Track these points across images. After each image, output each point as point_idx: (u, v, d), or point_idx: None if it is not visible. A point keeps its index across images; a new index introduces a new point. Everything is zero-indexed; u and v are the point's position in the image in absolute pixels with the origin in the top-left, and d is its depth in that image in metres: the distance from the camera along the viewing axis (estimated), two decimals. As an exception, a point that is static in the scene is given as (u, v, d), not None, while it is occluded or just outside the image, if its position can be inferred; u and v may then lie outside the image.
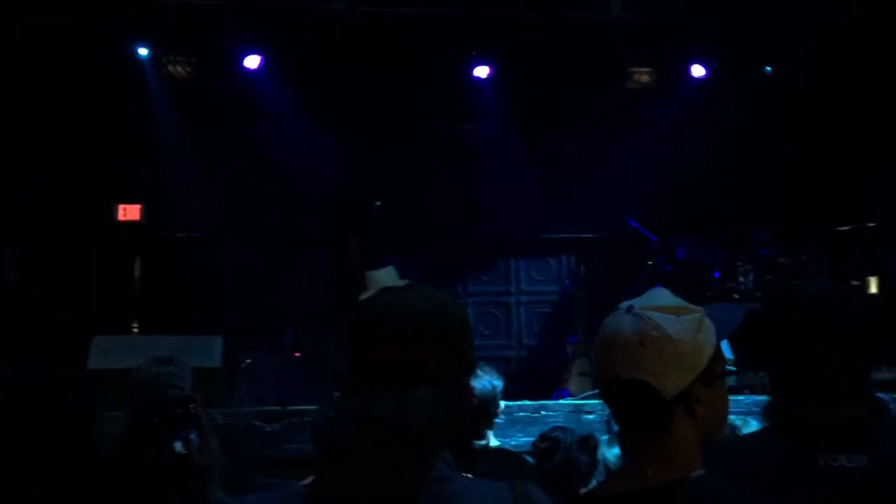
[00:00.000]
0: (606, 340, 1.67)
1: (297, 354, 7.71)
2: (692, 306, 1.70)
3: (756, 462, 1.85)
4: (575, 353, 7.51)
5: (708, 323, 1.69)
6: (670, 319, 1.63)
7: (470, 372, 1.61)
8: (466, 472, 2.14)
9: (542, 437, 3.23)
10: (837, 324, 1.93)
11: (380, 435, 1.44)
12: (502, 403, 3.92)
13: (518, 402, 4.93)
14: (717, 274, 7.45)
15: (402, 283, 5.12)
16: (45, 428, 2.23)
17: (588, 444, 3.16)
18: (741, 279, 7.32)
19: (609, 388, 1.67)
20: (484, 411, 3.66)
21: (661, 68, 8.68)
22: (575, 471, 3.10)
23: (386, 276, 5.83)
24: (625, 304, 1.70)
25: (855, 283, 7.15)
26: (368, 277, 5.81)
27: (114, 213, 8.61)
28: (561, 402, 5.19)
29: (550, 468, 3.13)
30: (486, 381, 3.67)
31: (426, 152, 8.56)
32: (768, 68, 8.50)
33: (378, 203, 7.68)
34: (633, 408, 1.63)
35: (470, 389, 1.61)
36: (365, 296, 4.92)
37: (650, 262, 7.72)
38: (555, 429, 3.36)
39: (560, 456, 3.11)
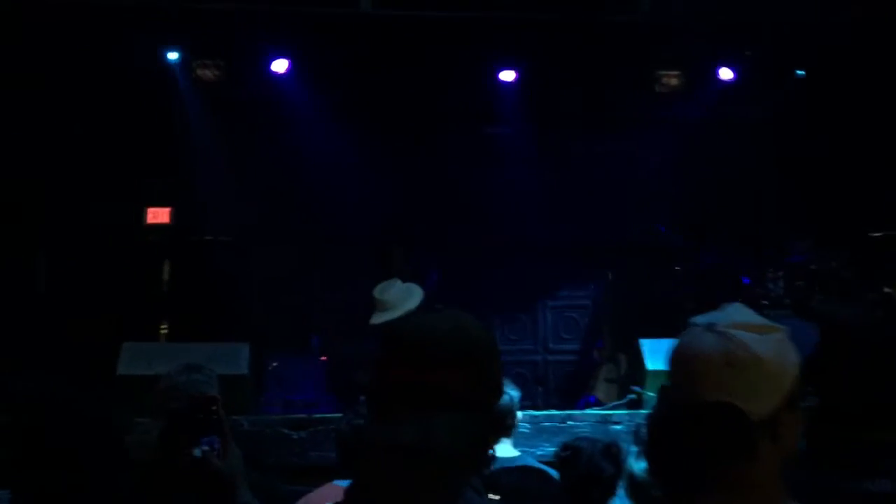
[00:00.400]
0: (687, 360, 1.58)
1: (324, 358, 7.73)
2: (775, 324, 1.61)
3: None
4: (602, 359, 7.47)
5: (791, 343, 1.61)
6: (756, 338, 1.55)
7: (497, 396, 1.59)
8: (492, 487, 2.12)
9: (564, 447, 3.17)
10: (867, 349, 1.90)
11: (405, 462, 1.43)
12: (520, 414, 3.92)
13: (545, 412, 4.91)
14: (746, 280, 7.38)
15: (414, 294, 5.12)
16: (73, 441, 2.26)
17: (611, 451, 3.09)
18: (770, 286, 7.24)
19: (690, 411, 1.57)
20: (501, 422, 3.67)
21: (689, 71, 8.61)
22: (598, 479, 3.04)
23: (404, 290, 5.81)
24: (702, 321, 1.61)
25: (887, 290, 7.04)
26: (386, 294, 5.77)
27: (143, 216, 8.67)
28: (588, 411, 5.15)
29: (574, 477, 3.09)
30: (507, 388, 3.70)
31: (452, 156, 8.53)
32: (800, 71, 8.39)
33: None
34: (717, 432, 1.54)
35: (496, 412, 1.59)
36: (379, 314, 4.94)
37: (678, 268, 7.66)
38: (578, 438, 3.31)
39: (583, 464, 3.06)
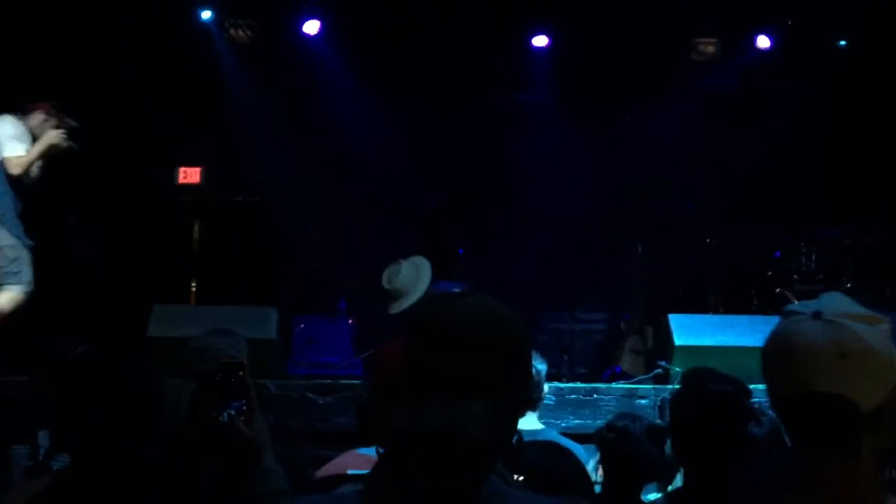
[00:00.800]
0: (796, 350, 1.51)
1: (351, 321, 7.77)
2: (878, 315, 1.56)
3: None
4: (628, 330, 7.44)
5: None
6: (867, 329, 1.51)
7: (526, 385, 1.59)
8: (512, 463, 2.11)
9: (610, 427, 2.96)
10: None
11: (433, 448, 1.43)
12: (546, 386, 3.91)
13: (570, 385, 4.91)
14: (777, 254, 7.29)
15: (423, 271, 5.02)
16: (110, 396, 2.31)
17: (658, 434, 2.91)
18: (803, 260, 7.14)
19: (798, 402, 1.51)
20: (528, 395, 3.64)
21: (726, 38, 8.45)
22: (642, 461, 2.88)
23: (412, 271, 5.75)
24: (806, 309, 1.55)
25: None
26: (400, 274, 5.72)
27: (174, 175, 8.73)
28: (613, 385, 5.13)
29: (617, 458, 2.92)
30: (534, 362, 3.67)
31: (482, 123, 8.46)
32: (842, 42, 8.20)
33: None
34: (826, 424, 1.50)
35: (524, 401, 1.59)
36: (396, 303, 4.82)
37: (708, 240, 7.59)
38: (622, 416, 3.09)
39: (626, 447, 2.88)
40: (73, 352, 3.52)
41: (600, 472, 3.10)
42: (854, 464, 1.51)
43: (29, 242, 5.63)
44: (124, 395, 2.33)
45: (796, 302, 1.66)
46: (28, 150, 5.62)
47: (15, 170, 5.54)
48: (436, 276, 5.77)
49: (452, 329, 1.46)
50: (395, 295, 5.64)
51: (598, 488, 2.98)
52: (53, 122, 5.79)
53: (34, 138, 5.71)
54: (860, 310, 1.55)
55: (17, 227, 5.58)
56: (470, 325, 1.47)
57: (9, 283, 5.48)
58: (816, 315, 1.52)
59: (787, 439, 2.47)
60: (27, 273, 5.54)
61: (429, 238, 7.21)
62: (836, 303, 1.56)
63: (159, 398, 2.46)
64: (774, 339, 1.56)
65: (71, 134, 5.84)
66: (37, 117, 5.77)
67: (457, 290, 5.93)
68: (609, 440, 2.88)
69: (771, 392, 1.57)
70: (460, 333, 1.45)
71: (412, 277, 5.57)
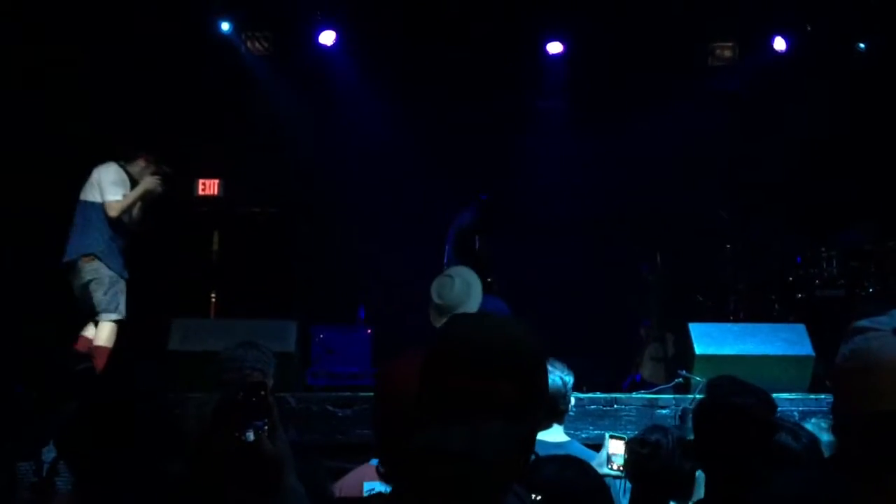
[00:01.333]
0: (881, 366, 1.48)
1: (370, 331, 7.79)
2: None
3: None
4: (648, 337, 7.41)
5: None
6: None
7: (543, 406, 1.59)
8: (531, 479, 2.10)
9: (643, 442, 2.85)
10: None
11: (451, 468, 1.43)
12: (573, 398, 3.89)
13: (590, 395, 4.88)
14: (798, 259, 7.23)
15: (473, 292, 4.98)
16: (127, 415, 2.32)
17: (687, 446, 2.82)
18: (825, 265, 7.07)
19: (879, 420, 1.46)
20: (554, 407, 3.62)
21: (743, 42, 8.41)
22: (672, 480, 2.81)
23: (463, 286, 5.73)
24: (880, 326, 1.52)
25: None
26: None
27: (194, 187, 8.78)
28: (634, 395, 5.08)
29: (646, 474, 2.85)
30: (556, 376, 3.65)
31: (499, 130, 8.46)
32: (861, 45, 8.13)
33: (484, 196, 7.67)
34: None
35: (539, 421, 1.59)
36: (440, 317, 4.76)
37: (728, 246, 7.54)
38: (653, 429, 2.98)
39: (658, 462, 2.80)
40: (78, 368, 3.55)
41: (613, 466, 3.04)
42: None
43: (126, 275, 6.32)
44: (128, 412, 2.33)
45: (864, 320, 1.58)
46: (125, 195, 6.28)
47: (112, 213, 6.21)
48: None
49: (471, 350, 1.47)
50: (447, 310, 5.59)
51: (624, 500, 2.95)
52: (152, 169, 6.47)
53: (134, 183, 6.39)
54: None
55: (116, 261, 6.25)
56: (488, 346, 1.47)
57: (107, 313, 6.10)
58: None
59: (825, 454, 2.41)
60: (122, 304, 6.21)
61: (466, 251, 7.22)
62: None
63: (168, 414, 2.46)
64: (854, 356, 1.52)
65: (165, 180, 6.56)
66: (138, 164, 6.45)
67: (499, 304, 5.93)
68: (642, 455, 2.83)
69: (842, 408, 1.54)
70: (479, 355, 1.46)
71: (463, 292, 5.54)
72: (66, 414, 3.01)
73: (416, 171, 8.31)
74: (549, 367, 3.63)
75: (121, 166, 6.39)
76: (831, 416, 1.63)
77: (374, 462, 3.70)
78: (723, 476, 2.57)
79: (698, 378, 4.73)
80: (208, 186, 8.84)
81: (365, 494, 3.36)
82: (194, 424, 2.46)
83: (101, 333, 6.06)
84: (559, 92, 8.62)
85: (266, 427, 1.80)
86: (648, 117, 8.04)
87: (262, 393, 1.83)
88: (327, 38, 8.37)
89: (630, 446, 2.90)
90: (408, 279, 6.69)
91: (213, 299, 8.43)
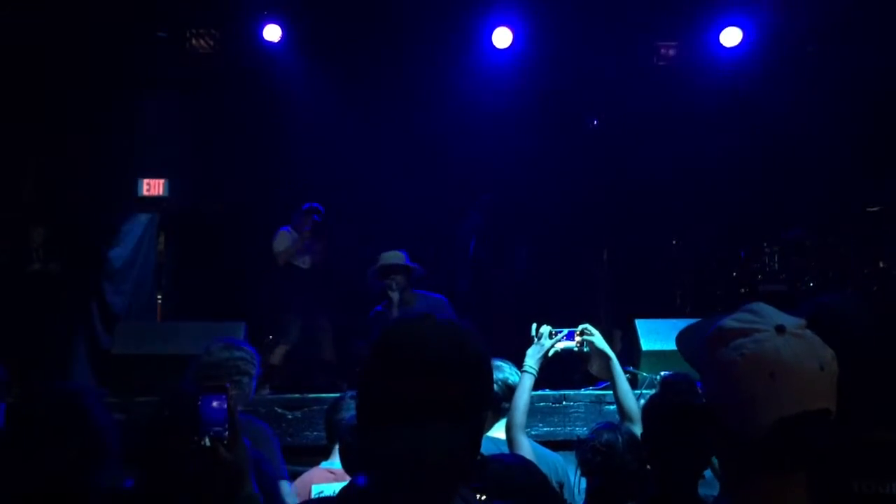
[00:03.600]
0: (783, 369, 1.43)
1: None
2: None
3: None
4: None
5: None
6: (820, 340, 1.48)
7: (488, 407, 1.59)
8: (475, 485, 2.09)
9: (595, 451, 2.79)
10: (867, 347, 1.86)
11: (397, 471, 1.42)
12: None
13: (539, 392, 4.90)
14: (742, 254, 7.37)
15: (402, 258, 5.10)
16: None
17: (635, 444, 2.80)
18: (767, 260, 7.22)
19: (789, 424, 1.42)
20: (498, 406, 3.63)
21: (686, 41, 8.49)
22: (626, 478, 2.78)
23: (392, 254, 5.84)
24: (760, 325, 1.48)
25: (882, 265, 7.03)
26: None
27: (138, 187, 8.64)
28: (582, 392, 5.13)
29: (601, 475, 2.81)
30: (507, 373, 3.66)
31: (447, 125, 8.44)
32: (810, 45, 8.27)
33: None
34: (819, 442, 1.45)
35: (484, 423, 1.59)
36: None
37: (674, 242, 7.65)
38: (603, 429, 2.91)
39: (611, 465, 2.77)
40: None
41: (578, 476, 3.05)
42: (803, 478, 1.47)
43: None
44: (69, 423, 2.27)
45: (727, 319, 1.53)
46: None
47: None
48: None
49: (413, 353, 1.45)
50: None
51: (580, 499, 2.96)
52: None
53: None
54: (800, 320, 1.51)
55: None
56: (431, 348, 1.45)
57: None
58: (780, 329, 1.45)
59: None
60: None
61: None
62: (775, 314, 1.50)
63: (108, 422, 2.39)
64: (750, 361, 1.44)
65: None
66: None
67: (441, 300, 5.98)
68: (595, 462, 2.80)
69: (743, 417, 1.45)
70: (422, 357, 1.44)
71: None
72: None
73: (367, 168, 8.26)
74: (497, 366, 3.65)
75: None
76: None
77: (324, 465, 3.70)
78: (673, 475, 2.59)
79: (645, 374, 4.79)
80: (153, 186, 8.70)
81: (314, 497, 3.35)
82: (150, 429, 2.40)
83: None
84: (509, 88, 8.61)
85: (225, 433, 1.77)
86: (599, 115, 8.10)
87: (223, 397, 1.79)
88: (272, 33, 8.24)
89: (582, 454, 2.86)
90: (362, 281, 6.62)
91: (159, 301, 8.32)
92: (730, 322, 1.51)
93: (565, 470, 3.36)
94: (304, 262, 7.56)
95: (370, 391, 1.48)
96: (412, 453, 1.41)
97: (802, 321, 1.50)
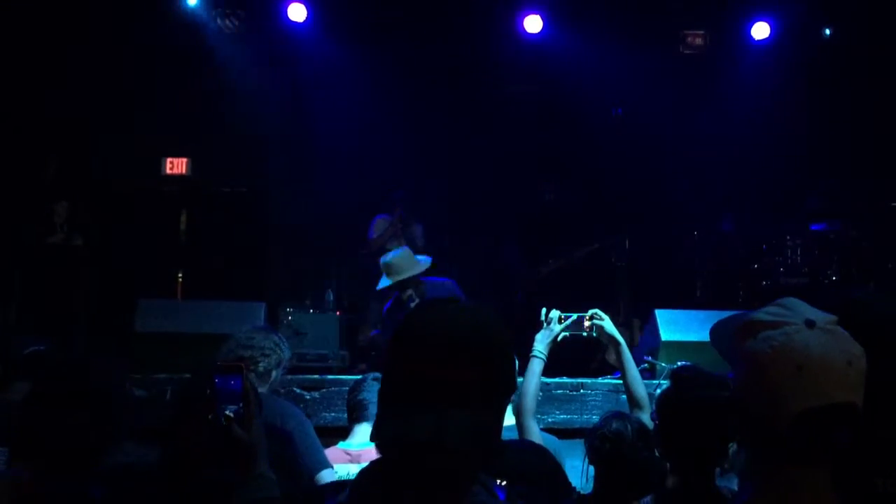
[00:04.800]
0: (811, 362, 1.47)
1: (339, 312, 7.77)
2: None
3: None
4: (615, 323, 7.41)
5: None
6: (849, 335, 1.53)
7: (510, 393, 1.58)
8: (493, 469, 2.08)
9: (603, 438, 2.78)
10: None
11: (417, 457, 1.42)
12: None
13: (556, 380, 4.90)
14: (764, 247, 7.32)
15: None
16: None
17: (646, 434, 2.77)
18: (789, 253, 7.17)
19: (815, 416, 1.47)
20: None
21: (715, 30, 8.42)
22: (635, 468, 2.74)
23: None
24: (790, 318, 1.52)
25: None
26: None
27: (161, 166, 8.69)
28: (599, 380, 5.13)
29: (612, 467, 2.78)
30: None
31: (471, 114, 8.42)
32: (827, 31, 8.19)
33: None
34: (845, 434, 1.50)
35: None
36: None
37: (695, 233, 7.61)
38: (612, 417, 2.89)
39: (621, 455, 2.75)
40: (27, 350, 3.47)
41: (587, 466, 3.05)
42: (827, 472, 1.51)
43: None
44: (79, 393, 2.26)
45: (759, 312, 1.57)
46: None
47: None
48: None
49: (436, 337, 1.45)
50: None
51: (588, 486, 2.95)
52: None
53: None
54: (825, 314, 1.54)
55: None
56: (453, 333, 1.45)
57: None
58: (810, 324, 1.50)
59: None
60: None
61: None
62: (805, 309, 1.54)
63: (121, 395, 2.40)
64: (778, 353, 1.49)
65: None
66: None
67: (452, 284, 5.97)
68: (606, 451, 2.78)
69: (772, 407, 1.50)
70: (444, 342, 1.44)
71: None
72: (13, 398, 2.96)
73: (389, 150, 8.25)
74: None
75: None
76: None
77: (341, 445, 3.73)
78: (689, 467, 2.59)
79: (664, 364, 4.78)
80: (176, 165, 8.75)
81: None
82: (170, 405, 2.42)
83: None
84: (533, 76, 8.58)
85: (242, 411, 1.77)
86: (621, 105, 8.04)
87: (240, 375, 1.80)
88: (297, 13, 8.23)
89: (591, 441, 2.85)
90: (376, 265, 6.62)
91: (181, 279, 8.37)
92: (760, 315, 1.55)
93: (560, 455, 3.34)
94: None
95: (393, 374, 1.48)
96: (433, 437, 1.40)
97: (833, 317, 1.54)
